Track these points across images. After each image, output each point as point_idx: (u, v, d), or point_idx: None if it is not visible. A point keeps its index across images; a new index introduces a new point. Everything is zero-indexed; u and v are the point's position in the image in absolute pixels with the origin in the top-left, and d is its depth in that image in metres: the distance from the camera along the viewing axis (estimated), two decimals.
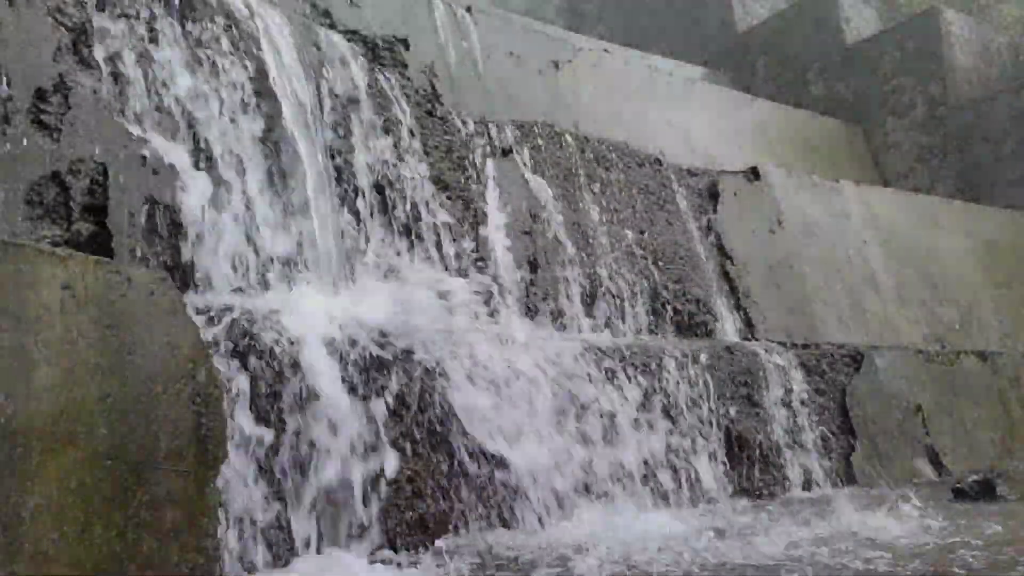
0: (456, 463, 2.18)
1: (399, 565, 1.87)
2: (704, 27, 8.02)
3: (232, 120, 2.35)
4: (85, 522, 1.51)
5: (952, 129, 6.50)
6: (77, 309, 1.58)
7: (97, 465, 1.55)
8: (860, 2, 7.35)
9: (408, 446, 2.09)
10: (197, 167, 2.24)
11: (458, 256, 2.96)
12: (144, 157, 2.15)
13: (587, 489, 2.49)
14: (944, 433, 3.75)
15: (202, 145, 2.29)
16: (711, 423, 2.97)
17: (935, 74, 6.59)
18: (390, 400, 2.08)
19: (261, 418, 1.83)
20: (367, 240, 2.72)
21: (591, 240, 3.41)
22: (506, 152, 3.30)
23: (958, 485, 2.75)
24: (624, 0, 8.79)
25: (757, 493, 2.99)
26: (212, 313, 1.94)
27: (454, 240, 2.97)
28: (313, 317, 2.06)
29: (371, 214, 2.72)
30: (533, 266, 3.19)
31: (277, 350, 1.91)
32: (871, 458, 3.42)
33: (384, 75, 3.00)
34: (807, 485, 3.18)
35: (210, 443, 1.73)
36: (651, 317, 3.51)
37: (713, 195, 4.06)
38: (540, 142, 3.47)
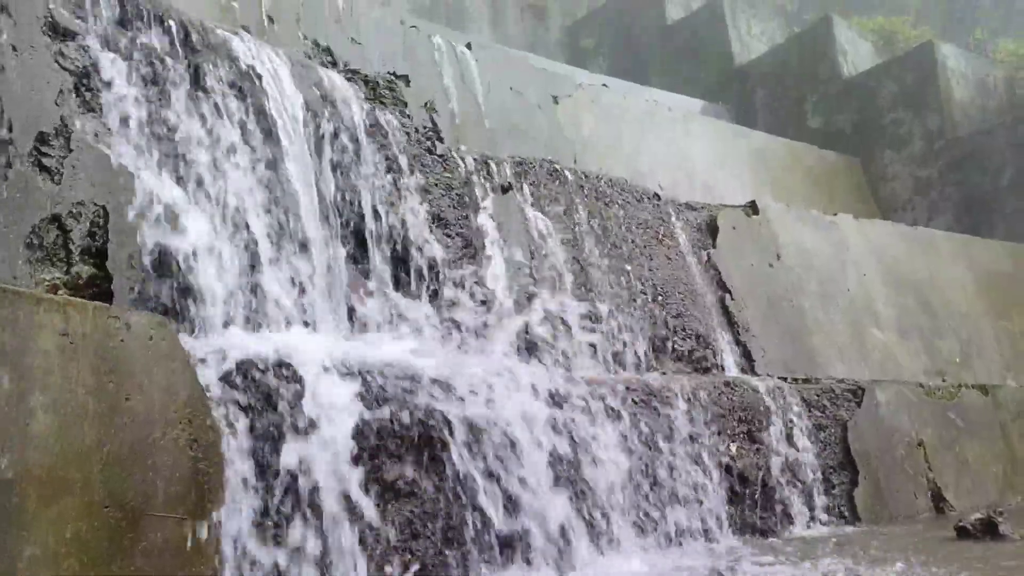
0: (453, 504, 2.17)
1: None
2: (702, 61, 8.09)
3: (233, 161, 2.36)
4: (81, 572, 1.50)
5: (950, 161, 6.54)
6: (75, 355, 1.58)
7: (93, 513, 1.54)
8: (856, 36, 7.42)
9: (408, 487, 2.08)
10: (198, 209, 2.25)
11: (458, 293, 2.96)
12: (144, 199, 2.16)
13: (588, 527, 2.48)
14: (946, 468, 3.73)
15: (203, 186, 2.30)
16: (712, 460, 2.95)
17: (932, 107, 6.64)
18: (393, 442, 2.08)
19: (259, 463, 1.82)
20: (367, 278, 2.73)
21: (590, 275, 3.42)
22: (505, 189, 3.32)
23: (961, 524, 2.73)
24: (623, 34, 8.87)
25: (759, 531, 2.97)
26: (212, 356, 1.93)
27: (454, 277, 2.97)
28: (315, 359, 2.05)
29: (371, 252, 2.73)
30: (532, 302, 3.19)
31: (279, 393, 1.90)
32: (874, 494, 3.40)
33: (384, 114, 3.02)
34: (810, 522, 3.15)
35: (207, 488, 1.72)
36: (651, 352, 3.50)
37: (712, 229, 4.07)
38: (539, 178, 3.48)
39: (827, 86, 7.24)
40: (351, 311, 2.60)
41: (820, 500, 3.23)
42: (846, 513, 3.29)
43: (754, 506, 3.01)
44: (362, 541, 1.92)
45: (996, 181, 6.32)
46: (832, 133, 7.11)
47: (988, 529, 2.69)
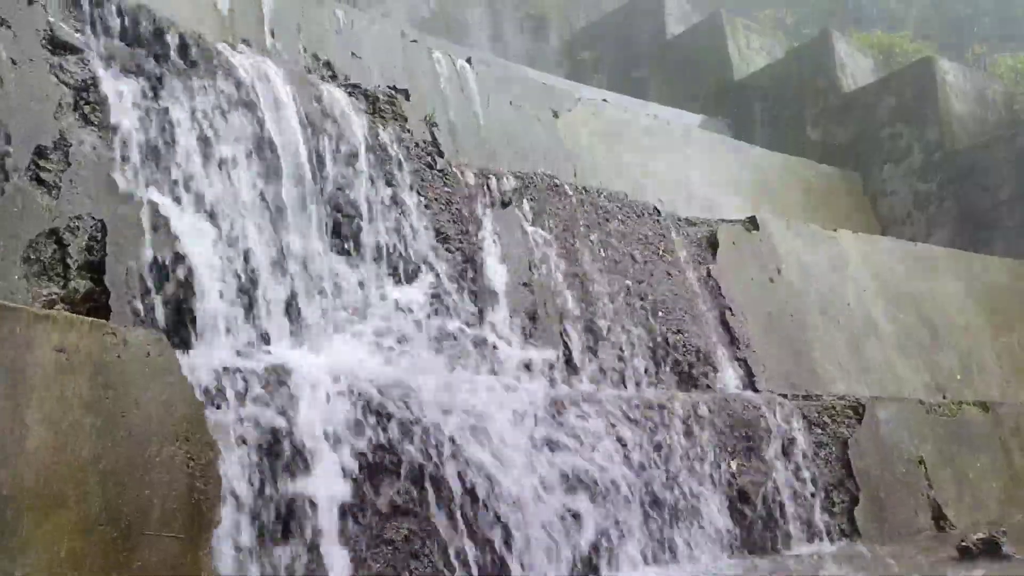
0: (454, 521, 2.15)
1: None
2: (702, 75, 8.10)
3: (232, 176, 2.35)
4: None
5: (949, 175, 6.54)
6: (71, 371, 1.56)
7: (89, 530, 1.53)
8: (856, 51, 7.44)
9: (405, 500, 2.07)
10: (196, 223, 2.24)
11: (458, 308, 2.95)
12: (143, 213, 2.15)
13: (587, 544, 2.46)
14: (947, 485, 3.71)
15: (201, 201, 2.29)
16: (712, 477, 2.93)
17: (931, 121, 6.65)
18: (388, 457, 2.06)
19: (256, 481, 1.81)
20: (367, 293, 2.71)
21: (590, 291, 3.40)
22: (505, 203, 3.31)
23: (963, 543, 2.71)
24: (622, 48, 8.89)
25: (760, 549, 2.95)
26: (209, 371, 1.92)
27: (454, 292, 2.96)
28: (313, 375, 2.04)
29: (371, 268, 2.72)
30: (532, 317, 3.17)
31: (274, 409, 1.89)
32: (875, 512, 3.38)
33: (384, 128, 3.01)
34: (811, 540, 3.13)
35: (203, 506, 1.71)
36: (651, 368, 3.48)
37: (712, 244, 4.06)
38: (539, 193, 3.47)
39: (826, 100, 7.24)
40: (349, 326, 2.59)
41: (821, 517, 3.21)
42: (847, 530, 3.27)
43: (755, 523, 3.00)
44: None
45: (995, 195, 6.32)
46: (831, 147, 7.12)
47: (990, 548, 2.68)
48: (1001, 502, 3.90)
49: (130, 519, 1.59)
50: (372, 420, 2.09)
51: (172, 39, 2.44)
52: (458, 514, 2.14)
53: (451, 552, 2.07)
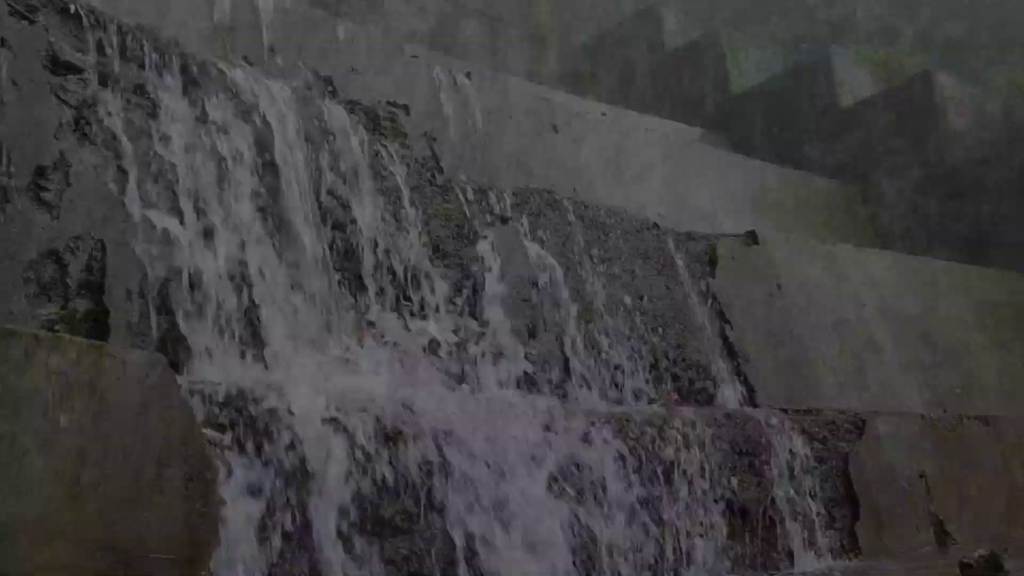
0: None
1: None
2: (701, 89, 8.11)
3: (233, 194, 2.36)
4: None
5: (949, 190, 6.54)
6: (70, 395, 1.56)
7: (87, 556, 1.52)
8: (855, 65, 7.46)
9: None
10: (196, 242, 2.24)
11: (457, 324, 2.95)
12: (143, 233, 2.16)
13: (585, 565, 2.45)
14: (949, 500, 3.70)
15: (202, 220, 2.29)
16: (712, 494, 2.93)
17: (931, 136, 6.65)
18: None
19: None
20: (366, 310, 2.72)
21: (590, 306, 3.41)
22: (505, 219, 3.32)
23: (964, 560, 2.70)
24: (622, 63, 8.91)
25: (760, 566, 2.94)
26: (208, 391, 1.91)
27: (453, 308, 2.96)
28: (314, 393, 2.04)
29: (370, 284, 2.72)
30: (532, 333, 3.18)
31: (276, 430, 1.89)
32: (875, 528, 3.37)
33: (384, 144, 3.03)
34: (812, 557, 3.12)
35: (202, 528, 1.70)
36: (651, 383, 3.48)
37: (711, 259, 4.06)
38: (539, 208, 3.48)
39: (825, 115, 7.25)
40: (349, 343, 2.59)
41: (821, 534, 3.20)
42: (847, 546, 3.26)
43: (755, 540, 2.99)
44: None
45: (995, 210, 6.32)
46: (831, 162, 7.12)
47: (992, 565, 2.66)
48: (1002, 518, 3.89)
49: (128, 544, 1.59)
50: (373, 436, 2.09)
51: (172, 58, 2.45)
52: (458, 530, 2.14)
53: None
